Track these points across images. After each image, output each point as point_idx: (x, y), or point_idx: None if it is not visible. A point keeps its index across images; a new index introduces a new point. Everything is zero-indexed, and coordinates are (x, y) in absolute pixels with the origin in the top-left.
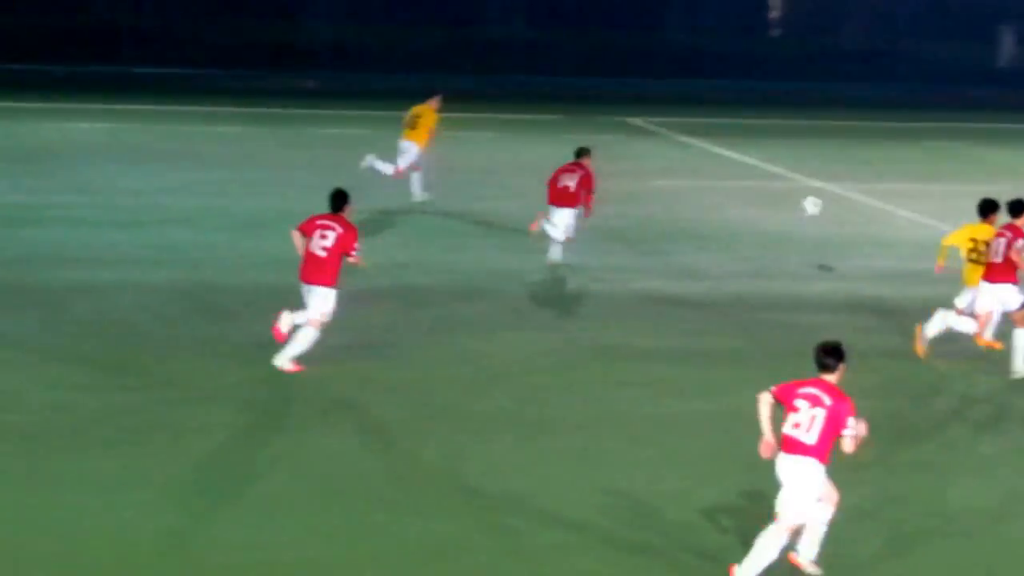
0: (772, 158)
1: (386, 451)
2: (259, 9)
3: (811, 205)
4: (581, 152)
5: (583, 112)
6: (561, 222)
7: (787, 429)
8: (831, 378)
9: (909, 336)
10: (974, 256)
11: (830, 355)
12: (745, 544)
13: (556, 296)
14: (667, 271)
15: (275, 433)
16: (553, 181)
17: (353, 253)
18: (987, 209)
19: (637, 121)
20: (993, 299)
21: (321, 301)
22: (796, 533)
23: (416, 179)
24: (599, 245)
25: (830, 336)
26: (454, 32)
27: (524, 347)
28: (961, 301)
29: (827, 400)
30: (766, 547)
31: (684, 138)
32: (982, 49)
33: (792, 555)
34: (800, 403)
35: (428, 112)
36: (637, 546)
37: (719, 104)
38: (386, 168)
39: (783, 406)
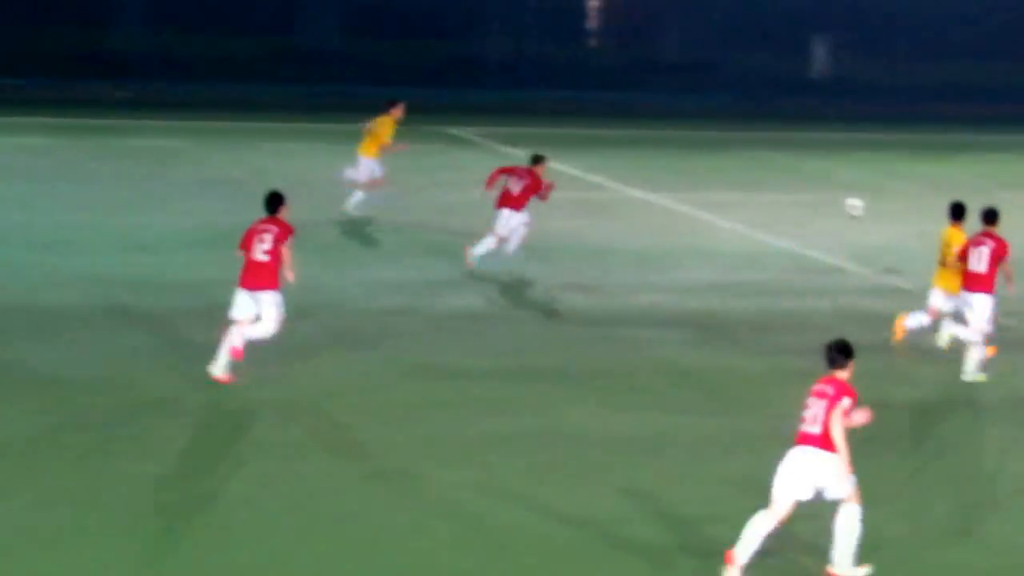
0: (594, 168)
1: (188, 478)
2: (65, 16)
3: (853, 207)
4: (535, 159)
5: (403, 122)
6: (502, 223)
7: (802, 426)
8: (842, 375)
9: (732, 348)
10: (942, 259)
11: (840, 352)
12: (566, 557)
13: (373, 314)
14: (488, 285)
15: (57, 461)
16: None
17: (287, 240)
18: (959, 213)
19: (457, 131)
20: (978, 314)
21: (271, 307)
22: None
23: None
24: (419, 259)
25: (653, 350)
26: (269, 42)
27: (339, 368)
28: (935, 302)
29: (830, 391)
30: (756, 530)
31: (506, 148)
32: (796, 60)
33: (829, 569)
34: (811, 400)
35: (385, 122)
36: (459, 569)
37: (540, 114)
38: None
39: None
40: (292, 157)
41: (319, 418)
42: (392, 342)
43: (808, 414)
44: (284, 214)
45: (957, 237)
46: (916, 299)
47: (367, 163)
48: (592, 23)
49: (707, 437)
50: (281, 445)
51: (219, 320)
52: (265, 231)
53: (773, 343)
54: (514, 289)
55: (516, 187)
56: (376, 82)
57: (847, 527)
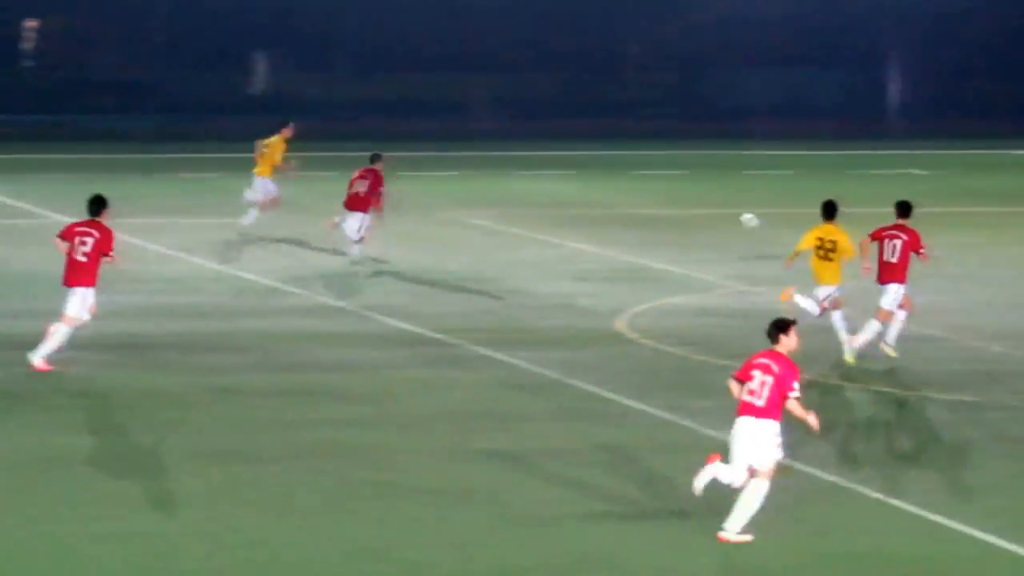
0: (19, 194)
1: None
2: None
3: (750, 220)
4: (373, 158)
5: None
6: (354, 224)
7: (744, 396)
8: (780, 348)
9: (154, 368)
10: (821, 254)
11: (778, 329)
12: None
13: None
14: None
15: None
16: (349, 186)
17: (111, 254)
18: (831, 210)
19: None
20: (888, 299)
21: (80, 301)
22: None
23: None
24: None
25: (67, 372)
26: None
27: None
28: (820, 292)
29: (775, 368)
30: (751, 501)
31: None
32: (235, 77)
33: (720, 535)
34: (754, 372)
35: (276, 143)
36: None
37: None
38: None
39: (743, 381)
40: None
41: None
42: None
43: (752, 386)
44: (105, 217)
45: (831, 233)
46: (354, 318)
47: (261, 182)
48: (27, 44)
49: (115, 456)
50: None
51: None
52: (88, 234)
53: (199, 363)
54: None
55: (362, 188)
56: None
57: (750, 500)
